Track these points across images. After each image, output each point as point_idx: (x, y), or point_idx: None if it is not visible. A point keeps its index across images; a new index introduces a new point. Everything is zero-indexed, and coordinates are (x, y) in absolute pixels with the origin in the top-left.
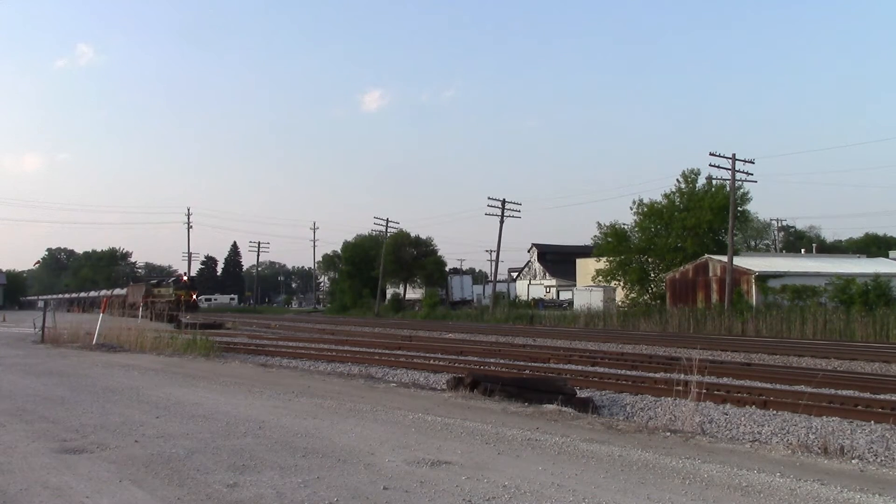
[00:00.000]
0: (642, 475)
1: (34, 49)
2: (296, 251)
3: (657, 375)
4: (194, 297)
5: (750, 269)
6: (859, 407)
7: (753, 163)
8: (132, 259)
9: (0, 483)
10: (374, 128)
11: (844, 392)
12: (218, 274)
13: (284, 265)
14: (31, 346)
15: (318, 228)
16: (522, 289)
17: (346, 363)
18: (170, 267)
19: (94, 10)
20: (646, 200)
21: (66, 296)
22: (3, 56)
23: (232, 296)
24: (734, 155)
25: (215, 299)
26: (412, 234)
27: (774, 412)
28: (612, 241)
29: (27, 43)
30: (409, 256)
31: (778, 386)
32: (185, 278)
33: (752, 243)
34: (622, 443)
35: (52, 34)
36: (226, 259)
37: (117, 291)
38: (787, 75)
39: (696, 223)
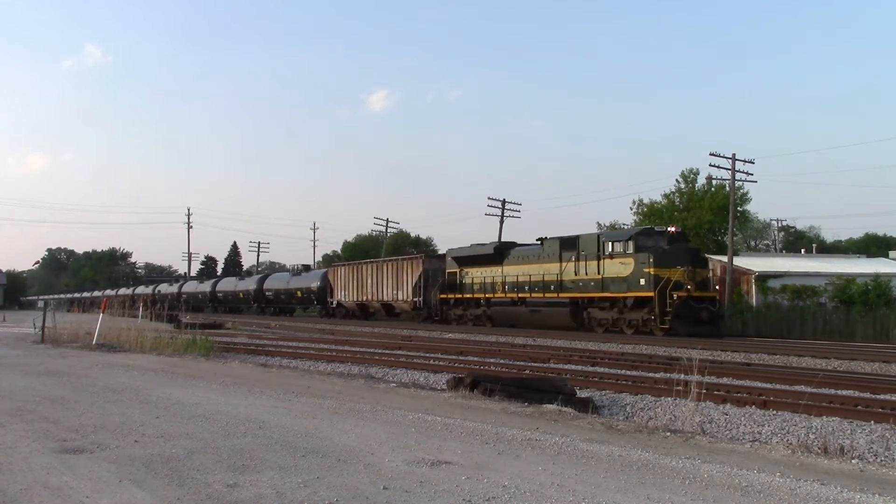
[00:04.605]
0: (642, 475)
1: (42, 49)
2: (296, 251)
3: (657, 375)
4: (718, 287)
5: (750, 269)
6: (859, 407)
7: (753, 163)
8: (132, 259)
9: (0, 483)
10: (377, 128)
11: (844, 392)
12: (218, 274)
13: (284, 265)
14: (31, 346)
15: (318, 228)
16: None
17: (346, 363)
18: (170, 267)
19: (102, 11)
20: (646, 200)
21: (66, 296)
22: (11, 56)
23: None
24: (734, 155)
25: None
26: (412, 234)
27: (774, 412)
28: None
29: (35, 43)
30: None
31: (778, 386)
32: (673, 229)
33: (752, 243)
34: (622, 443)
35: (60, 34)
36: (226, 259)
37: (245, 284)
38: (788, 75)
39: (696, 223)
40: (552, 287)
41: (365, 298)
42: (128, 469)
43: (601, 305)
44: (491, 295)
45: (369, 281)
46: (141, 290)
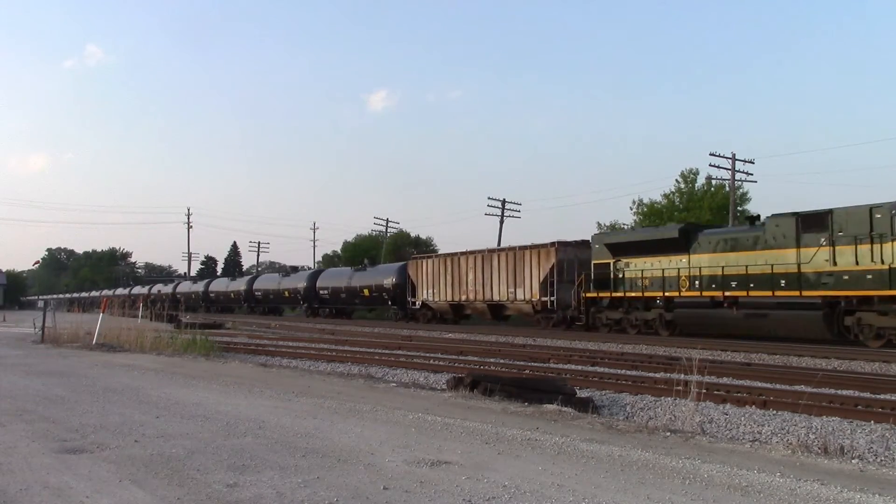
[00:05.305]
0: (642, 475)
1: (43, 49)
2: (296, 251)
3: (657, 375)
4: None
5: None
6: (859, 407)
7: (753, 163)
8: (132, 259)
9: (0, 483)
10: (378, 128)
11: (844, 392)
12: (218, 274)
13: (284, 265)
14: (31, 346)
15: (318, 228)
16: None
17: (346, 363)
18: (170, 267)
19: (103, 10)
20: (645, 200)
21: (66, 296)
22: (12, 56)
23: None
24: (734, 155)
25: None
26: (412, 234)
27: (774, 412)
28: None
29: (36, 43)
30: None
31: (778, 386)
32: None
33: None
34: (622, 443)
35: (61, 34)
36: (226, 259)
37: (291, 281)
38: (788, 75)
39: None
40: (783, 282)
41: (464, 298)
42: (128, 469)
43: (882, 309)
44: (675, 293)
45: (471, 276)
46: (158, 288)
